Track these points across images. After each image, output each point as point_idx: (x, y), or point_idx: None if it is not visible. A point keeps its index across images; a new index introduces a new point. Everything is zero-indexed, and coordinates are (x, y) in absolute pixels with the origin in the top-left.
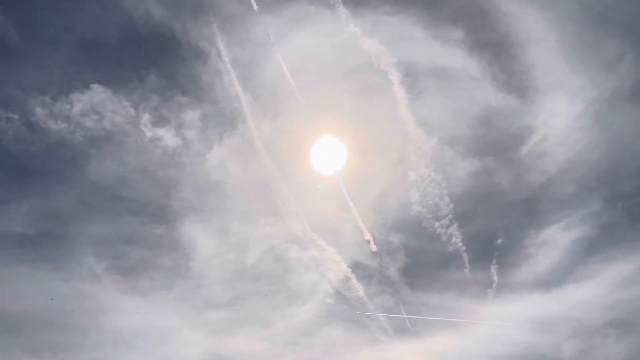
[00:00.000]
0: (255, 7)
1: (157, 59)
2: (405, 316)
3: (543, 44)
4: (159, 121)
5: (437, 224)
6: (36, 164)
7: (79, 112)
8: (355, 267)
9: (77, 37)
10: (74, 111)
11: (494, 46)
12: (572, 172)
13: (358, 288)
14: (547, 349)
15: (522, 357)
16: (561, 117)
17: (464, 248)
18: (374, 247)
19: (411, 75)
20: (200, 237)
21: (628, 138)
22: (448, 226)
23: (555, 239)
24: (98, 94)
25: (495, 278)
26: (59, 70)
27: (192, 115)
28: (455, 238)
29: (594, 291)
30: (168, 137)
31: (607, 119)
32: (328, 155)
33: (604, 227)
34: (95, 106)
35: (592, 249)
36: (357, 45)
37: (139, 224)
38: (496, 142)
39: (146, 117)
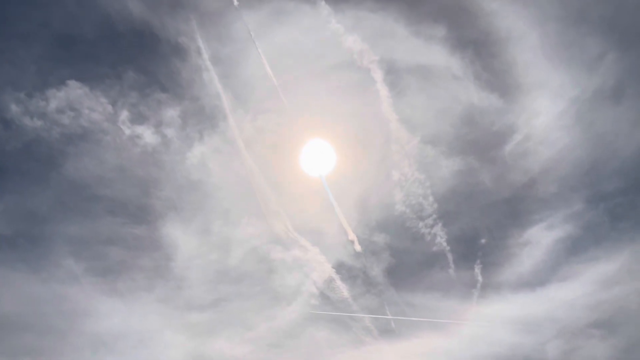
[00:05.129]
0: (235, 2)
1: (135, 55)
2: (390, 317)
3: (524, 43)
4: (138, 118)
5: (421, 224)
6: (11, 162)
7: (55, 109)
8: (340, 267)
9: (53, 32)
10: (50, 108)
11: (476, 44)
12: (555, 171)
13: (342, 289)
14: (531, 350)
15: (506, 358)
16: (543, 116)
17: (448, 248)
18: (358, 248)
19: (393, 73)
20: (181, 238)
21: (609, 137)
22: (432, 226)
23: (539, 239)
24: (75, 90)
25: (480, 278)
26: (34, 66)
27: (171, 113)
28: (440, 238)
29: (577, 291)
30: (147, 134)
31: (589, 118)
32: (311, 154)
33: (587, 227)
34: (72, 103)
35: (575, 249)
36: (339, 42)
37: (118, 224)
38: (479, 141)
39: (124, 114)
